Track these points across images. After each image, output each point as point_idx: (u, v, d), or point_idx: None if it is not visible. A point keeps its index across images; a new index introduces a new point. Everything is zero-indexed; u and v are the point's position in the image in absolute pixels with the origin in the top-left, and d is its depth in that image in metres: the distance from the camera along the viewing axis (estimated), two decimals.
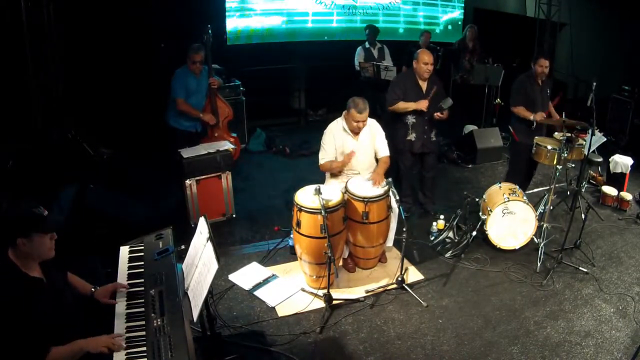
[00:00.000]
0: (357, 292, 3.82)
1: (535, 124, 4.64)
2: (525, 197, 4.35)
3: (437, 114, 4.51)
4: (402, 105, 4.56)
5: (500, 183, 4.55)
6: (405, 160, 4.82)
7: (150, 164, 5.76)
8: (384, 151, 4.13)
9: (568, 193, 5.24)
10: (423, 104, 4.50)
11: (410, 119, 4.63)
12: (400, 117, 4.66)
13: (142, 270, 2.59)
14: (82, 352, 2.06)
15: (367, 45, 6.96)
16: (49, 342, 2.02)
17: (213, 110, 5.11)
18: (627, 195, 5.17)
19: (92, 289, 2.46)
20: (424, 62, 4.47)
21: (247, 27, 7.28)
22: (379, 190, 3.83)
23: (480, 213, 4.47)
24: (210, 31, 4.92)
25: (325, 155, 4.07)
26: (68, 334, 2.11)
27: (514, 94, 4.80)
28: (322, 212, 3.40)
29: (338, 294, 3.71)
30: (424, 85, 4.60)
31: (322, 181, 4.24)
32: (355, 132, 4.02)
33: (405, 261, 3.84)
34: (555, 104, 5.35)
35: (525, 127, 4.75)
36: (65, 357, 2.04)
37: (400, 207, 3.75)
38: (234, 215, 4.91)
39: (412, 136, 4.68)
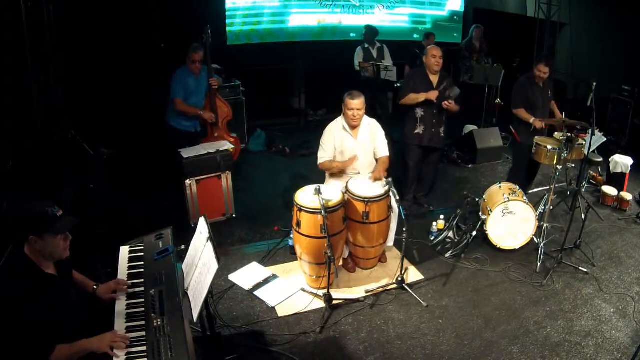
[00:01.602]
0: (357, 292, 3.82)
1: (533, 127, 4.66)
2: (525, 197, 4.35)
3: (445, 103, 4.55)
4: (413, 96, 4.66)
5: (500, 183, 4.55)
6: (413, 156, 4.86)
7: (150, 164, 5.76)
8: (384, 151, 4.13)
9: (568, 193, 5.25)
10: (433, 94, 4.59)
11: (419, 112, 4.69)
12: (410, 111, 4.75)
13: (142, 270, 2.59)
14: (86, 351, 2.05)
15: (365, 45, 6.96)
16: (55, 339, 2.01)
17: (213, 110, 5.12)
18: (627, 195, 5.17)
19: (94, 287, 2.46)
20: (433, 55, 4.60)
21: (247, 27, 7.27)
22: (380, 190, 3.83)
23: (480, 213, 4.47)
24: (209, 31, 4.92)
25: (325, 154, 4.08)
26: (71, 332, 2.10)
27: (514, 96, 4.83)
28: (322, 212, 3.40)
29: (338, 294, 3.71)
30: (434, 79, 4.68)
31: (322, 181, 4.24)
32: (353, 124, 4.02)
33: (405, 261, 3.84)
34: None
35: (526, 128, 4.76)
36: (69, 356, 2.04)
37: (401, 207, 3.75)
38: (234, 215, 4.91)
39: (420, 129, 4.73)
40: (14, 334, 1.92)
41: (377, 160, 4.17)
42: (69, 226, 2.14)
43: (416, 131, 4.75)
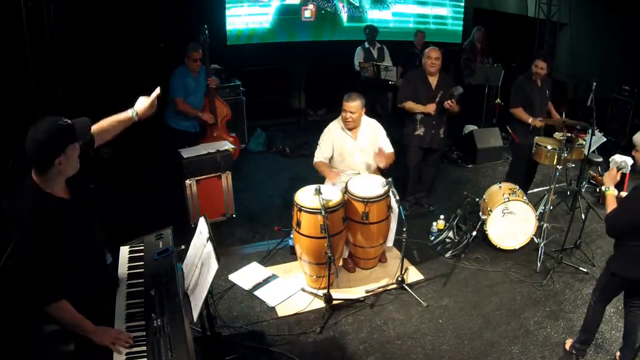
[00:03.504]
0: (357, 292, 3.83)
1: (532, 126, 4.64)
2: (525, 197, 4.35)
3: (448, 102, 4.54)
4: (409, 106, 4.68)
5: (500, 183, 4.55)
6: (413, 157, 4.87)
7: (150, 164, 5.76)
8: (388, 149, 4.13)
9: (568, 193, 5.25)
10: (431, 108, 4.58)
11: (419, 114, 4.71)
12: (410, 113, 4.76)
13: (142, 270, 2.59)
14: (84, 332, 2.02)
15: (366, 45, 6.95)
16: (64, 288, 1.96)
17: (212, 110, 5.12)
18: None
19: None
20: (428, 56, 4.61)
21: (247, 27, 7.27)
22: (379, 190, 3.83)
23: (480, 213, 4.47)
24: (207, 31, 4.92)
25: (320, 153, 4.08)
26: (86, 260, 2.07)
27: (512, 95, 4.81)
28: (322, 212, 3.41)
29: (338, 294, 3.71)
30: (433, 80, 4.68)
31: (322, 181, 4.23)
32: (347, 126, 4.01)
33: (405, 261, 3.84)
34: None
35: (524, 129, 4.75)
36: (71, 321, 1.99)
37: (400, 207, 3.75)
38: (234, 215, 4.91)
39: (420, 131, 4.74)
40: (31, 266, 1.88)
41: None
42: (86, 127, 2.06)
43: (417, 133, 4.75)
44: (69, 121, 2.01)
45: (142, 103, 2.46)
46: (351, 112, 3.93)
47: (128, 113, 2.46)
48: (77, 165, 2.06)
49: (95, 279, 2.19)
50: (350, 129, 4.03)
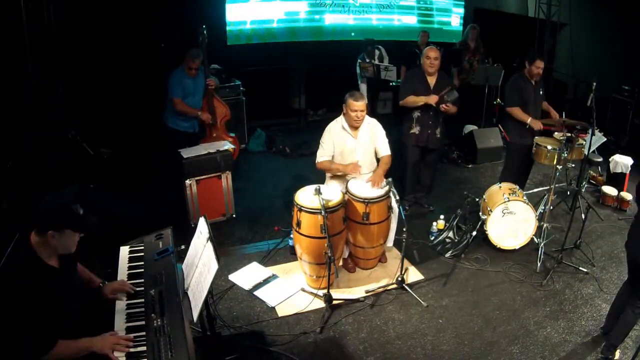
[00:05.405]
0: (357, 292, 3.82)
1: (528, 126, 4.63)
2: (525, 197, 4.35)
3: (443, 106, 4.55)
4: (412, 99, 4.66)
5: (500, 183, 4.55)
6: (410, 155, 4.87)
7: (150, 164, 5.76)
8: (385, 150, 4.13)
9: (568, 193, 5.25)
10: (433, 99, 4.58)
11: (416, 113, 4.71)
12: (407, 112, 4.77)
13: (142, 270, 2.60)
14: (87, 350, 2.04)
15: (367, 59, 6.87)
16: (57, 333, 2.00)
17: (210, 110, 5.12)
18: (627, 195, 5.17)
19: (101, 284, 2.46)
20: (427, 56, 4.61)
21: (247, 28, 7.27)
22: (380, 191, 3.83)
23: (480, 213, 4.47)
24: (205, 32, 4.92)
25: (324, 153, 4.08)
26: (73, 325, 2.09)
27: (509, 94, 4.76)
28: (322, 212, 3.41)
29: (338, 294, 3.71)
30: (431, 80, 4.69)
31: (322, 181, 4.24)
32: (355, 125, 4.01)
33: (405, 261, 3.84)
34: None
35: (517, 128, 4.71)
36: (70, 353, 2.02)
37: (400, 208, 3.75)
38: (234, 215, 4.91)
39: (416, 129, 4.75)
40: (14, 326, 1.91)
41: (377, 161, 4.17)
42: (95, 227, 2.14)
43: (412, 131, 4.76)
44: (80, 212, 2.09)
45: (112, 287, 2.46)
46: (361, 111, 3.94)
47: (97, 282, 2.49)
48: (71, 249, 2.14)
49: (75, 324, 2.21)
50: (355, 128, 4.04)
